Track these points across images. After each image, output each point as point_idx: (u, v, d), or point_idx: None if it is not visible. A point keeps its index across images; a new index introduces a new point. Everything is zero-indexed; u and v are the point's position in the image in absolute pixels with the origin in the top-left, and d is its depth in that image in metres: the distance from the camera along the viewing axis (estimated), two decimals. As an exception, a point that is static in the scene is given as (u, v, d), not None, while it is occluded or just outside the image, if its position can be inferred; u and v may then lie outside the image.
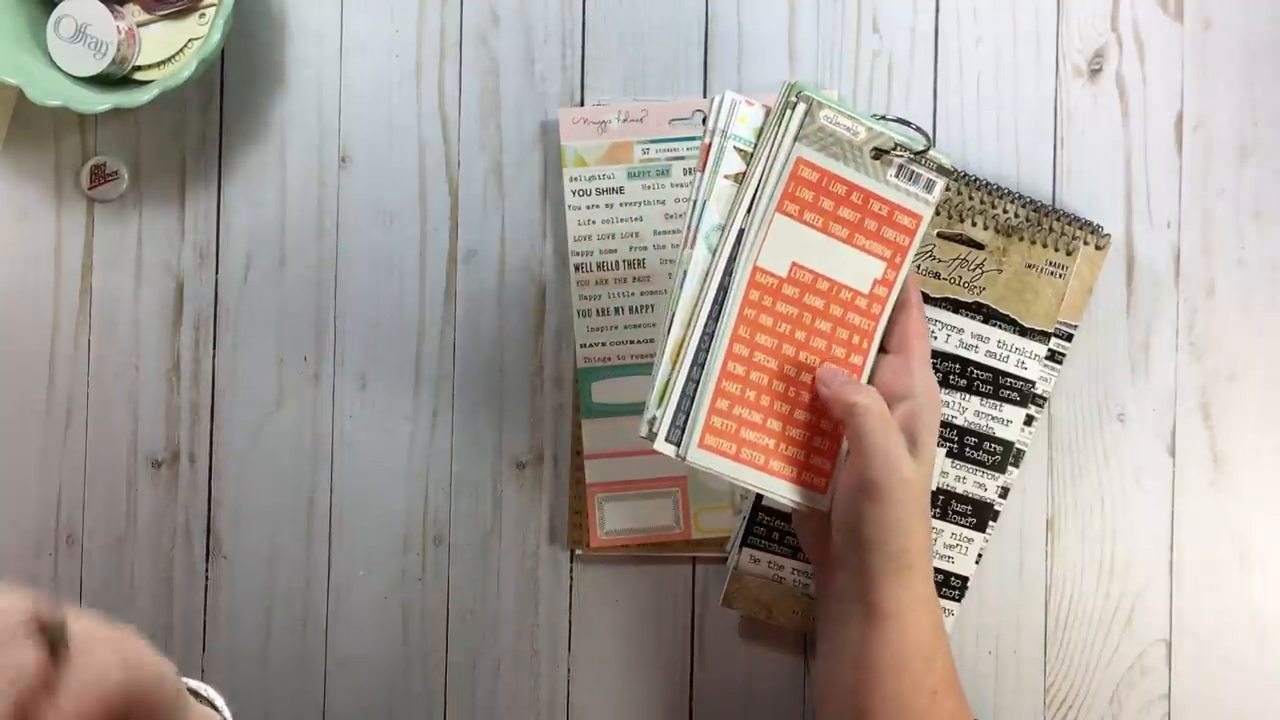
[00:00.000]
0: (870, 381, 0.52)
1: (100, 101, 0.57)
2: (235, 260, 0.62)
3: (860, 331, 0.52)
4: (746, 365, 0.50)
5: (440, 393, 0.61)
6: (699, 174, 0.50)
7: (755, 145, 0.50)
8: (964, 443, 0.58)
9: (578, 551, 0.60)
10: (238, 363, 0.62)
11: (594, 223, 0.60)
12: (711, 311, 0.50)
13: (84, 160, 0.62)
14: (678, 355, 0.50)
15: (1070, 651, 0.60)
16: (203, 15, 0.60)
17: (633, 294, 0.60)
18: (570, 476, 0.60)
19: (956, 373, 0.58)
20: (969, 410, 0.58)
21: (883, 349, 0.52)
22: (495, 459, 0.61)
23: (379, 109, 0.62)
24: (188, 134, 0.62)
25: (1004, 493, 0.59)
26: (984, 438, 0.58)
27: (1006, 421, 0.58)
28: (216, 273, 0.62)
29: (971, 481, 0.58)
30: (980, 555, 0.59)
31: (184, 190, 0.62)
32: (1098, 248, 0.58)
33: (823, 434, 0.51)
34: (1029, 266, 0.57)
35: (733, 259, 0.50)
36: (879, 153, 0.50)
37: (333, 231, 0.62)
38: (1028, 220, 0.58)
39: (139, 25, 0.60)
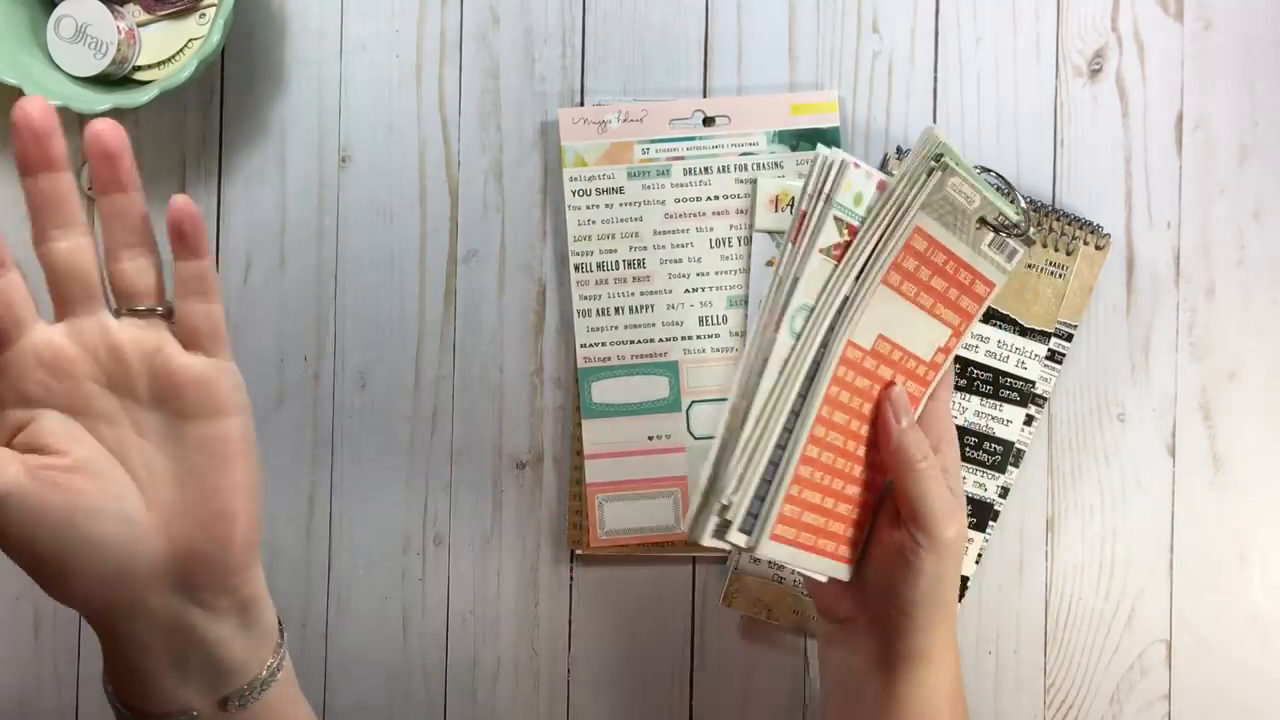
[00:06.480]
0: None
1: (100, 101, 0.57)
2: (235, 260, 0.62)
3: (912, 399, 0.51)
4: (820, 446, 0.48)
5: (440, 393, 0.61)
6: (789, 244, 0.47)
7: (872, 212, 0.47)
8: (964, 443, 0.58)
9: (578, 551, 0.61)
10: (238, 363, 0.61)
11: (594, 223, 0.60)
12: (794, 404, 0.47)
13: (84, 160, 0.62)
14: (752, 447, 0.46)
15: (1070, 651, 0.60)
16: (203, 15, 0.61)
17: (633, 294, 0.60)
18: (570, 476, 0.60)
19: (956, 373, 0.58)
20: (969, 410, 0.58)
21: None
22: (495, 459, 0.61)
23: (379, 109, 0.62)
24: (188, 134, 0.62)
25: (1004, 493, 0.59)
26: (984, 438, 0.58)
27: (1006, 421, 0.58)
28: (216, 273, 0.62)
29: (971, 481, 0.58)
30: (980, 555, 0.59)
31: (184, 190, 0.62)
32: (1098, 248, 0.58)
33: (860, 505, 0.50)
34: (1029, 266, 0.57)
35: (827, 338, 0.47)
36: (982, 222, 0.49)
37: (333, 231, 0.62)
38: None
39: (139, 25, 0.60)
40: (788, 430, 0.47)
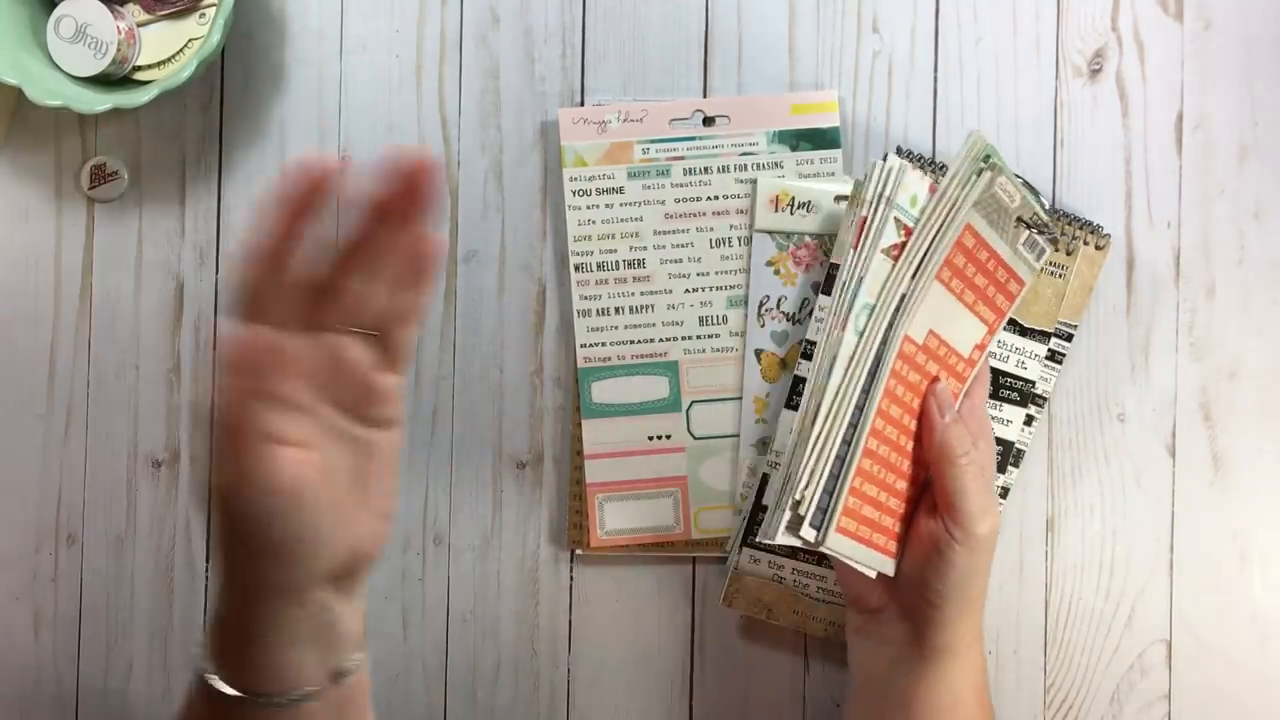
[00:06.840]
0: None
1: (100, 101, 0.57)
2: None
3: (952, 395, 0.52)
4: (879, 439, 0.50)
5: (440, 393, 0.61)
6: (850, 250, 0.49)
7: (926, 212, 0.50)
8: (964, 443, 0.58)
9: (578, 551, 0.60)
10: (238, 363, 0.61)
11: (594, 223, 0.60)
12: (859, 399, 0.49)
13: (84, 160, 0.62)
14: (821, 442, 0.49)
15: (1070, 651, 0.60)
16: (203, 15, 0.61)
17: (633, 294, 0.60)
18: (570, 476, 0.60)
19: (956, 373, 0.58)
20: (969, 410, 0.58)
21: None
22: (495, 459, 0.61)
23: (379, 109, 0.62)
24: (188, 134, 0.62)
25: (1004, 493, 0.59)
26: (984, 438, 0.58)
27: (1006, 421, 0.58)
28: (216, 273, 0.62)
29: (972, 481, 0.58)
30: (980, 555, 0.59)
31: (184, 190, 0.62)
32: (1098, 248, 0.58)
33: (906, 499, 0.52)
34: (1029, 266, 0.58)
35: (886, 335, 0.49)
36: (1019, 221, 0.51)
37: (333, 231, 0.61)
38: (1028, 220, 0.58)
39: (139, 25, 0.60)
40: (852, 425, 0.49)
